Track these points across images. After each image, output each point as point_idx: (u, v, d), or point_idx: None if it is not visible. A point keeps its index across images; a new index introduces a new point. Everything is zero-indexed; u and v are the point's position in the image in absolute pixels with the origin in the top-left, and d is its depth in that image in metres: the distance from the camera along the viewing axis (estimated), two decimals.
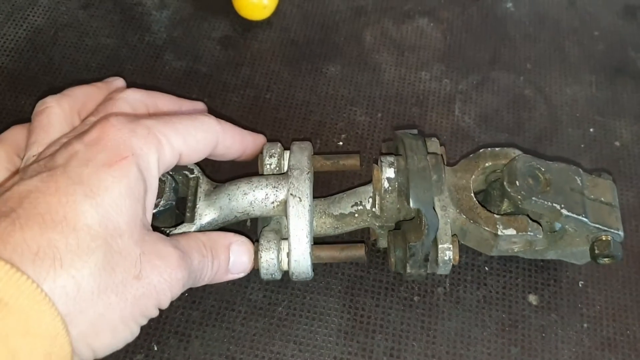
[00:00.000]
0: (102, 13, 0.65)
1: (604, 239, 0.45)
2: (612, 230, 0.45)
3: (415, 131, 0.48)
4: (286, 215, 0.44)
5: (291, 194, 0.44)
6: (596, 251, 0.45)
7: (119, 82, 0.48)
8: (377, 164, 0.46)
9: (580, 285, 0.50)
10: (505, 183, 0.45)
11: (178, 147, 0.40)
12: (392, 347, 0.47)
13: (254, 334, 0.47)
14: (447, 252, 0.44)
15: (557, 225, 0.47)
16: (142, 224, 0.36)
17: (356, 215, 0.47)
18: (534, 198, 0.44)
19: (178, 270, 0.37)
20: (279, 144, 0.49)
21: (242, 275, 0.45)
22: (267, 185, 0.45)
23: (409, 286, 0.50)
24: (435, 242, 0.44)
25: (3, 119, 0.57)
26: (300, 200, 0.44)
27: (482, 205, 0.46)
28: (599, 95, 0.62)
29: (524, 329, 0.48)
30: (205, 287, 0.48)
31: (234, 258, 0.43)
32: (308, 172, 0.45)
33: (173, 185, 0.46)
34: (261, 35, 0.65)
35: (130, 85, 0.56)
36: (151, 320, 0.44)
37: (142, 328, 0.40)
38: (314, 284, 0.49)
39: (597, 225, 0.45)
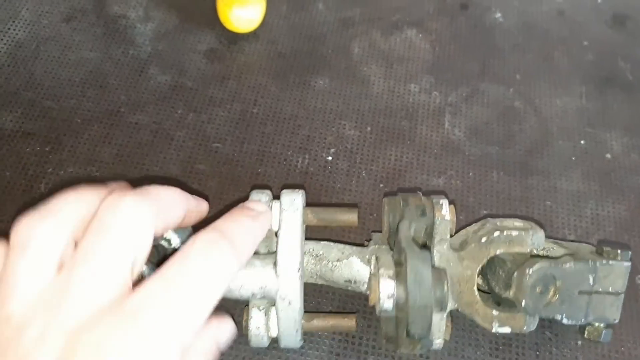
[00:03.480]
0: (85, 26, 0.64)
1: (596, 325, 0.45)
2: (607, 321, 0.45)
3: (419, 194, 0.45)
4: (277, 311, 0.41)
5: (280, 297, 0.40)
6: (585, 335, 0.45)
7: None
8: (374, 276, 0.40)
9: None
10: (511, 293, 0.42)
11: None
12: None
13: (243, 357, 0.46)
14: (437, 342, 0.42)
15: None
16: None
17: (349, 288, 0.45)
18: (537, 312, 0.42)
19: None
20: (268, 193, 0.42)
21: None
22: (254, 282, 0.40)
23: None
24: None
25: None
26: (290, 304, 0.40)
27: (482, 292, 0.44)
28: (589, 107, 0.62)
29: (517, 348, 0.47)
30: None
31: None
32: (299, 269, 0.40)
33: None
34: (247, 48, 0.64)
35: (115, 100, 0.55)
36: None
37: None
38: (305, 305, 0.48)
39: (593, 320, 0.44)
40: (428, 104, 0.61)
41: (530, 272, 0.41)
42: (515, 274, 0.42)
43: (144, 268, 0.31)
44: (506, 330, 0.43)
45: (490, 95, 0.62)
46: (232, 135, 0.57)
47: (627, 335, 0.48)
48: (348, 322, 0.43)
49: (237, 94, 0.60)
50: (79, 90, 0.59)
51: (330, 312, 0.47)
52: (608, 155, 0.58)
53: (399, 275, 0.39)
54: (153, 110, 0.58)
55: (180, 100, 0.59)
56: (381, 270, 0.39)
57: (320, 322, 0.43)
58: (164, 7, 0.66)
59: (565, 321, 0.43)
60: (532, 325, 0.43)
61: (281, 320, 0.41)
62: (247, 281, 0.40)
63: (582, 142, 0.59)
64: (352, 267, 0.44)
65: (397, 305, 0.39)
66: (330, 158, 0.56)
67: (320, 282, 0.46)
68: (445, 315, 0.42)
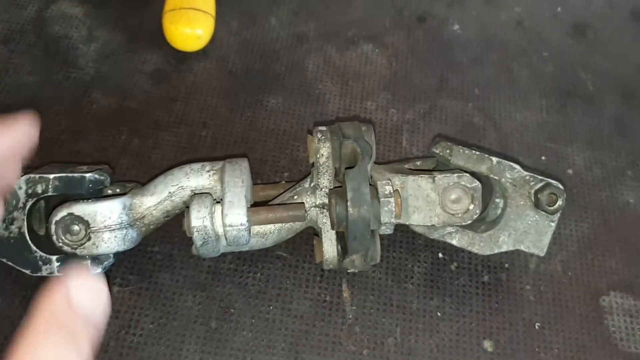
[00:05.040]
0: (23, 48, 0.61)
1: (542, 185, 0.45)
2: (545, 180, 0.45)
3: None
4: (221, 180, 0.43)
5: (228, 162, 0.44)
6: (540, 198, 0.44)
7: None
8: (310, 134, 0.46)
9: (537, 327, 0.48)
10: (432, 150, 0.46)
11: None
12: None
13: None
14: (390, 201, 0.41)
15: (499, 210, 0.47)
16: None
17: (295, 197, 0.45)
18: (460, 148, 0.44)
19: None
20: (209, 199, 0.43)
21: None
22: (203, 162, 0.45)
23: (357, 339, 0.46)
24: (377, 196, 0.41)
25: None
26: (238, 164, 0.43)
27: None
28: (550, 120, 0.60)
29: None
30: (135, 350, 0.44)
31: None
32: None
33: None
34: (196, 67, 0.61)
35: (55, 128, 0.52)
36: None
37: None
38: (255, 342, 0.46)
39: (530, 174, 0.45)
40: (385, 122, 0.59)
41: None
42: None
43: None
44: (448, 176, 0.44)
45: (449, 111, 0.60)
46: (179, 161, 0.54)
47: (593, 358, 0.47)
48: (298, 210, 0.43)
49: (184, 116, 0.57)
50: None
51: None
52: (570, 171, 0.57)
53: (341, 194, 0.41)
54: (96, 137, 0.55)
55: (125, 125, 0.56)
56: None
57: (267, 213, 0.43)
58: (108, 26, 0.63)
59: (495, 159, 0.45)
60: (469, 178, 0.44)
61: (226, 179, 0.42)
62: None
63: (543, 157, 0.57)
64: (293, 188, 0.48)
65: (339, 223, 0.41)
66: (284, 182, 0.54)
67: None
68: (389, 182, 0.43)
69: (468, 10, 0.68)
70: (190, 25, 0.60)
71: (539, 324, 0.48)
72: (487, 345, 0.47)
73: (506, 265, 0.51)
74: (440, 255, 0.51)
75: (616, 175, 0.57)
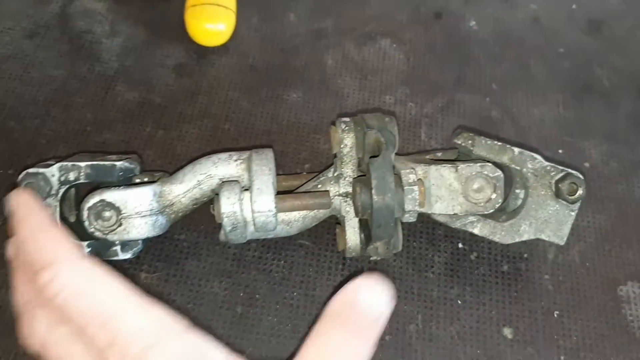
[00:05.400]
0: (49, 43, 0.62)
1: (562, 175, 0.46)
2: (566, 170, 0.46)
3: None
4: (248, 168, 0.44)
5: (255, 152, 0.45)
6: (561, 188, 0.45)
7: None
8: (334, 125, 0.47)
9: (555, 316, 0.49)
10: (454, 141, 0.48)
11: None
12: None
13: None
14: (414, 189, 0.42)
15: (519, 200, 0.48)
16: None
17: (319, 186, 0.46)
18: (482, 139, 0.46)
19: None
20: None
21: None
22: (230, 152, 0.46)
23: None
24: (400, 185, 0.42)
25: None
26: (264, 153, 0.44)
27: None
28: (567, 115, 0.61)
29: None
30: None
31: None
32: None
33: None
34: (218, 61, 0.62)
35: (81, 119, 0.53)
36: None
37: None
38: (280, 327, 0.47)
39: (550, 164, 0.46)
40: (404, 115, 0.60)
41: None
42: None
43: None
44: (471, 166, 0.45)
45: (467, 105, 0.61)
46: (203, 152, 0.55)
47: (610, 349, 0.47)
48: (323, 198, 0.45)
49: (207, 109, 0.59)
50: (43, 109, 0.57)
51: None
52: (587, 164, 0.57)
53: (365, 183, 0.42)
54: (121, 129, 0.57)
55: (149, 118, 0.58)
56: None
57: (294, 201, 0.44)
58: (130, 21, 0.64)
59: (516, 149, 0.46)
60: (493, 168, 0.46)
61: (254, 168, 0.43)
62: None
63: (560, 151, 0.58)
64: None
65: (364, 211, 0.42)
66: (305, 173, 0.55)
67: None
68: (413, 171, 0.44)
69: (484, 7, 0.69)
70: (213, 21, 0.61)
71: (557, 312, 0.49)
72: (507, 332, 0.48)
73: (525, 255, 0.51)
74: (460, 245, 0.51)
75: (632, 169, 0.57)
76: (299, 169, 0.55)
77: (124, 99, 0.59)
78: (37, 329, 0.32)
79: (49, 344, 0.32)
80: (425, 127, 0.59)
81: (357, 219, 0.46)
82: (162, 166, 0.54)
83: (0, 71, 0.59)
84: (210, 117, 0.58)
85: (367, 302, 0.33)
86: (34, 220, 0.35)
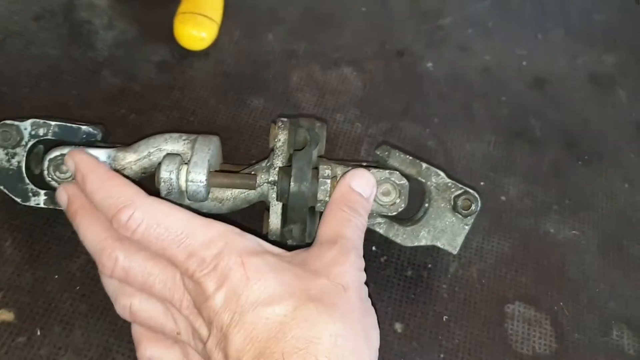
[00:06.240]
0: (51, 26, 0.70)
1: (460, 192, 0.53)
2: (464, 188, 0.53)
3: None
4: (192, 147, 0.50)
5: (202, 135, 0.52)
6: (457, 202, 0.52)
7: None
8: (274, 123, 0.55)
9: (444, 320, 0.55)
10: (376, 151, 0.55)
11: None
12: None
13: None
14: (327, 182, 0.49)
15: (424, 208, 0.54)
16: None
17: (252, 173, 0.53)
18: (397, 152, 0.53)
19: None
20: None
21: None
22: (181, 133, 0.53)
23: None
24: (316, 177, 0.49)
25: None
26: (209, 138, 0.52)
27: None
28: (495, 154, 0.68)
29: (385, 353, 0.52)
30: (97, 283, 0.52)
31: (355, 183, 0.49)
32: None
33: None
34: (196, 64, 0.70)
35: (65, 94, 0.61)
36: (38, 308, 0.48)
37: (29, 314, 0.47)
38: None
39: (452, 181, 0.53)
40: (350, 132, 0.67)
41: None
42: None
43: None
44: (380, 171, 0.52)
45: (408, 132, 0.68)
46: None
47: (486, 356, 0.53)
48: (250, 180, 0.51)
49: (178, 102, 0.66)
50: (34, 81, 0.65)
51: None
52: (503, 198, 0.64)
53: (287, 172, 0.49)
54: (99, 107, 0.64)
55: (126, 102, 0.65)
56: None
57: (224, 179, 0.51)
58: (127, 19, 0.73)
59: (424, 164, 0.54)
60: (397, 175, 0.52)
61: (196, 147, 0.50)
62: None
63: (481, 183, 0.65)
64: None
65: (282, 195, 0.49)
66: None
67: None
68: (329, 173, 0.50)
69: (443, 53, 0.77)
70: (197, 28, 0.70)
71: (446, 317, 0.55)
72: (398, 327, 0.54)
73: (429, 265, 0.58)
74: (373, 248, 0.58)
75: (543, 208, 0.64)
76: (246, 163, 0.62)
77: (107, 83, 0.67)
78: (119, 259, 0.42)
79: (131, 269, 0.42)
80: (366, 145, 0.66)
81: (280, 206, 0.53)
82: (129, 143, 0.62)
83: (5, 44, 0.68)
84: (179, 109, 0.66)
85: (358, 187, 0.48)
86: (98, 173, 0.45)
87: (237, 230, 0.42)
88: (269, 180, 0.53)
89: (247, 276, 0.38)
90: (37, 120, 0.51)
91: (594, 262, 0.61)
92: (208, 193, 0.50)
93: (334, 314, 0.38)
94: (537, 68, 0.78)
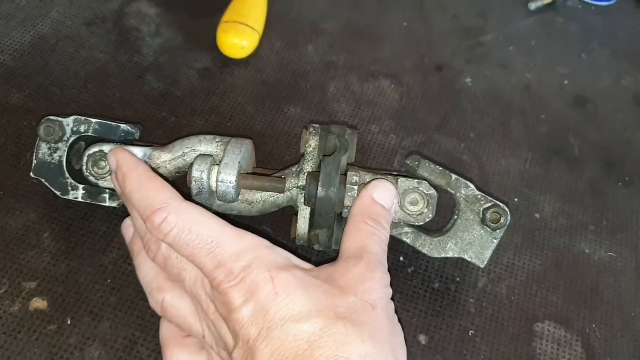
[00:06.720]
0: (101, 32, 0.73)
1: (489, 205, 0.52)
2: (494, 201, 0.52)
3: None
4: (224, 149, 0.51)
5: (235, 138, 0.53)
6: (486, 215, 0.52)
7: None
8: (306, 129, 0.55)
9: (470, 334, 0.54)
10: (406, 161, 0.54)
11: None
12: None
13: None
14: (354, 188, 0.50)
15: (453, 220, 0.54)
16: None
17: (282, 176, 0.53)
18: (427, 162, 0.52)
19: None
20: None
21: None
22: (215, 134, 0.54)
23: None
24: (344, 183, 0.50)
25: None
26: (242, 141, 0.53)
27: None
28: (531, 171, 0.67)
29: None
30: (127, 277, 0.53)
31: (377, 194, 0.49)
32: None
33: None
34: (237, 72, 0.72)
35: (110, 96, 0.63)
36: (70, 298, 0.50)
37: (61, 303, 0.49)
38: None
39: (482, 193, 0.52)
40: (383, 143, 0.67)
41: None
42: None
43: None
44: (407, 181, 0.51)
45: (442, 146, 0.68)
46: None
47: None
48: (279, 183, 0.51)
49: (217, 108, 0.68)
50: (82, 82, 0.68)
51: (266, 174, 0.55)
52: (537, 215, 0.63)
53: (316, 177, 0.50)
54: (140, 109, 0.66)
55: (167, 105, 0.67)
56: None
57: (253, 181, 0.51)
58: (173, 27, 0.75)
59: (454, 175, 0.53)
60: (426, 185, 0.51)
61: (228, 149, 0.51)
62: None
63: (515, 199, 0.64)
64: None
65: (310, 199, 0.50)
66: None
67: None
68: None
69: (483, 69, 0.77)
70: (238, 37, 0.71)
71: (472, 332, 0.54)
72: (422, 338, 0.53)
73: (457, 279, 0.57)
74: (401, 258, 0.58)
75: (579, 227, 0.63)
76: (279, 168, 0.63)
77: (150, 87, 0.69)
78: (162, 246, 0.43)
79: (170, 258, 0.43)
80: (399, 157, 0.66)
81: (308, 210, 0.53)
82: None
83: (57, 47, 0.71)
84: (217, 114, 0.67)
85: (380, 199, 0.48)
86: (138, 173, 0.46)
87: (267, 243, 0.42)
88: (298, 184, 0.54)
89: (276, 291, 0.38)
90: (79, 116, 0.54)
91: (630, 285, 0.59)
92: (237, 194, 0.51)
93: (363, 333, 0.37)
94: (579, 87, 0.77)
